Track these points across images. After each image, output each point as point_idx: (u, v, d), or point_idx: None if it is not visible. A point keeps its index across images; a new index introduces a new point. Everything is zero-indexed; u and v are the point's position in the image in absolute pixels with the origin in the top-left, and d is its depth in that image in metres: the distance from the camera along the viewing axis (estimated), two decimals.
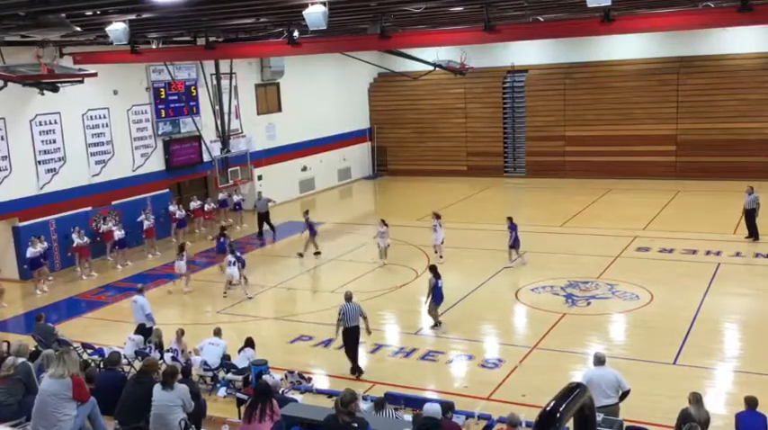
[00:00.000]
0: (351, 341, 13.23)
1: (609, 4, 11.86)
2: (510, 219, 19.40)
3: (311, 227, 21.41)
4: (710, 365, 13.13)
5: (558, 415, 3.77)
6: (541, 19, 19.01)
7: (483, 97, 33.30)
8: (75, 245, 20.59)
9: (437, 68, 26.45)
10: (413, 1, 13.73)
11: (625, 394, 9.98)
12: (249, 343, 12.87)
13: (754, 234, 20.40)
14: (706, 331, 14.56)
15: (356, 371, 13.15)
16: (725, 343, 14.40)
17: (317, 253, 21.47)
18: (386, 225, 20.06)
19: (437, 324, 15.19)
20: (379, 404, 9.56)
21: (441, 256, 19.70)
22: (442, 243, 19.93)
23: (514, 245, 19.22)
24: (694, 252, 19.91)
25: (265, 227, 24.47)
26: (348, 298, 13.39)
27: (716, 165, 28.92)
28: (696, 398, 9.25)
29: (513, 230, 19.18)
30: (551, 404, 3.82)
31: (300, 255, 21.41)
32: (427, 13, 15.90)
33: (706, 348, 13.79)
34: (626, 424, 9.49)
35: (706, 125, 29.34)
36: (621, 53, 30.51)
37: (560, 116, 31.86)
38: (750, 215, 20.46)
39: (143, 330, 14.09)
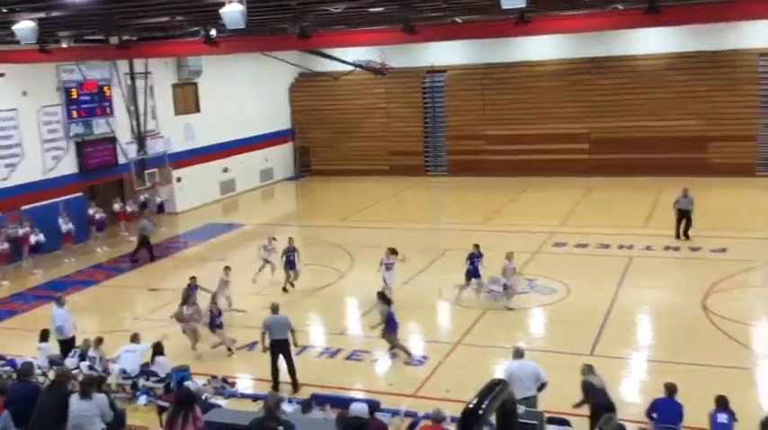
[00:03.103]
0: (277, 354, 12.55)
1: (523, 5, 12.14)
2: (477, 246, 17.01)
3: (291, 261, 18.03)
4: (626, 355, 13.62)
5: (481, 411, 3.85)
6: (459, 20, 19.28)
7: (403, 97, 33.58)
8: None
9: (357, 68, 26.52)
10: (333, 1, 13.71)
11: (543, 386, 10.27)
12: (158, 350, 12.43)
13: (683, 234, 20.69)
14: (621, 322, 15.10)
15: (295, 386, 12.47)
16: (638, 333, 14.95)
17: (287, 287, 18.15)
18: (395, 253, 17.10)
19: (408, 353, 13.85)
20: (305, 405, 9.53)
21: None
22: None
23: (474, 274, 16.85)
24: (608, 246, 20.59)
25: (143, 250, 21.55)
26: (274, 309, 12.85)
27: (627, 162, 29.97)
28: (590, 369, 9.66)
29: (477, 259, 16.83)
30: (474, 400, 3.90)
31: (285, 289, 18.08)
32: (347, 13, 15.90)
33: (621, 339, 14.29)
34: (546, 415, 9.73)
35: (617, 123, 30.39)
36: (537, 54, 31.24)
37: (479, 115, 32.43)
38: (684, 216, 20.67)
39: (65, 342, 13.58)
